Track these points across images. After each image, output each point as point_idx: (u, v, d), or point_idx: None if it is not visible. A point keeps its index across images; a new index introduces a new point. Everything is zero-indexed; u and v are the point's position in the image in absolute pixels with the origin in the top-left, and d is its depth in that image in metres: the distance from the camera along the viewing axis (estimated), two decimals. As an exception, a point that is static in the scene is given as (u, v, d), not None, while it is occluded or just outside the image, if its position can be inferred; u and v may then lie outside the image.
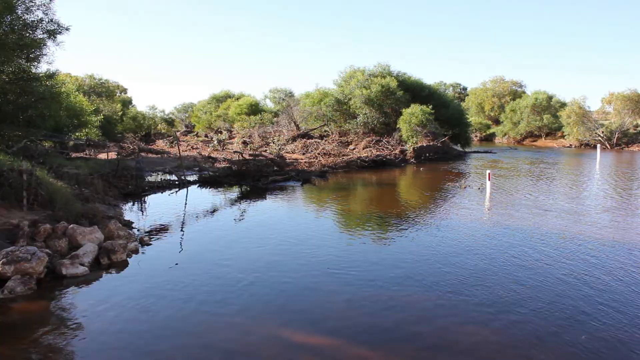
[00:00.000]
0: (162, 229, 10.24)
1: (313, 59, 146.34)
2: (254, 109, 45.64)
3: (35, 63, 14.70)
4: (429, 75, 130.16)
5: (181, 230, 10.29)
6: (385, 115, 32.30)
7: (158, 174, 19.11)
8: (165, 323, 5.54)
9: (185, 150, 28.70)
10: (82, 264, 7.30)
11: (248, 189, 16.70)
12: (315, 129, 35.33)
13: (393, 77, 33.17)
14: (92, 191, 12.28)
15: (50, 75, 15.38)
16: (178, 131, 52.00)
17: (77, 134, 21.70)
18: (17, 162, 9.89)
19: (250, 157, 20.34)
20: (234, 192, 16.05)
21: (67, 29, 14.40)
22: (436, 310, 5.95)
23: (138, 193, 14.78)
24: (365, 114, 32.08)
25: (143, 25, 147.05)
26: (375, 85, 31.73)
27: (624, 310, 5.89)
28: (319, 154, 26.29)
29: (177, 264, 7.80)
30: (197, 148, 31.20)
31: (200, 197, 15.12)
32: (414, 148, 28.13)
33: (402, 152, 28.21)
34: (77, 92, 25.06)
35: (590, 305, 6.01)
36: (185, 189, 16.31)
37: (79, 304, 6.13)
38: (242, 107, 45.47)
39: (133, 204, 13.32)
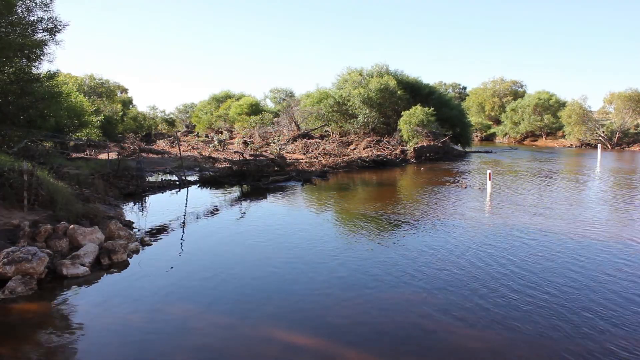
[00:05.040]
0: (163, 229, 10.25)
1: (313, 59, 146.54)
2: (255, 109, 45.69)
3: (36, 63, 14.71)
4: (429, 75, 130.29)
5: (182, 231, 10.29)
6: (386, 115, 32.30)
7: (159, 174, 19.15)
8: (165, 323, 5.54)
9: (186, 151, 28.69)
10: (83, 264, 7.30)
11: (248, 189, 16.70)
12: (315, 129, 35.33)
13: (391, 76, 33.19)
14: (92, 191, 12.29)
15: (51, 76, 15.38)
16: (179, 131, 52.09)
17: (77, 134, 21.72)
18: (18, 163, 9.89)
19: (251, 157, 20.35)
20: (235, 193, 16.04)
21: (65, 26, 14.40)
22: (435, 310, 5.94)
23: (139, 193, 14.79)
24: (365, 114, 32.09)
25: (144, 25, 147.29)
26: (373, 83, 31.72)
27: (623, 312, 5.88)
28: (319, 154, 26.29)
29: (177, 264, 7.80)
30: (197, 148, 31.18)
31: (200, 197, 15.11)
32: (414, 148, 28.11)
33: (403, 152, 28.22)
34: (77, 93, 25.09)
35: (593, 304, 6.01)
36: (185, 189, 16.31)
37: (80, 305, 6.14)
38: (243, 107, 45.52)
39: (134, 204, 13.32)
